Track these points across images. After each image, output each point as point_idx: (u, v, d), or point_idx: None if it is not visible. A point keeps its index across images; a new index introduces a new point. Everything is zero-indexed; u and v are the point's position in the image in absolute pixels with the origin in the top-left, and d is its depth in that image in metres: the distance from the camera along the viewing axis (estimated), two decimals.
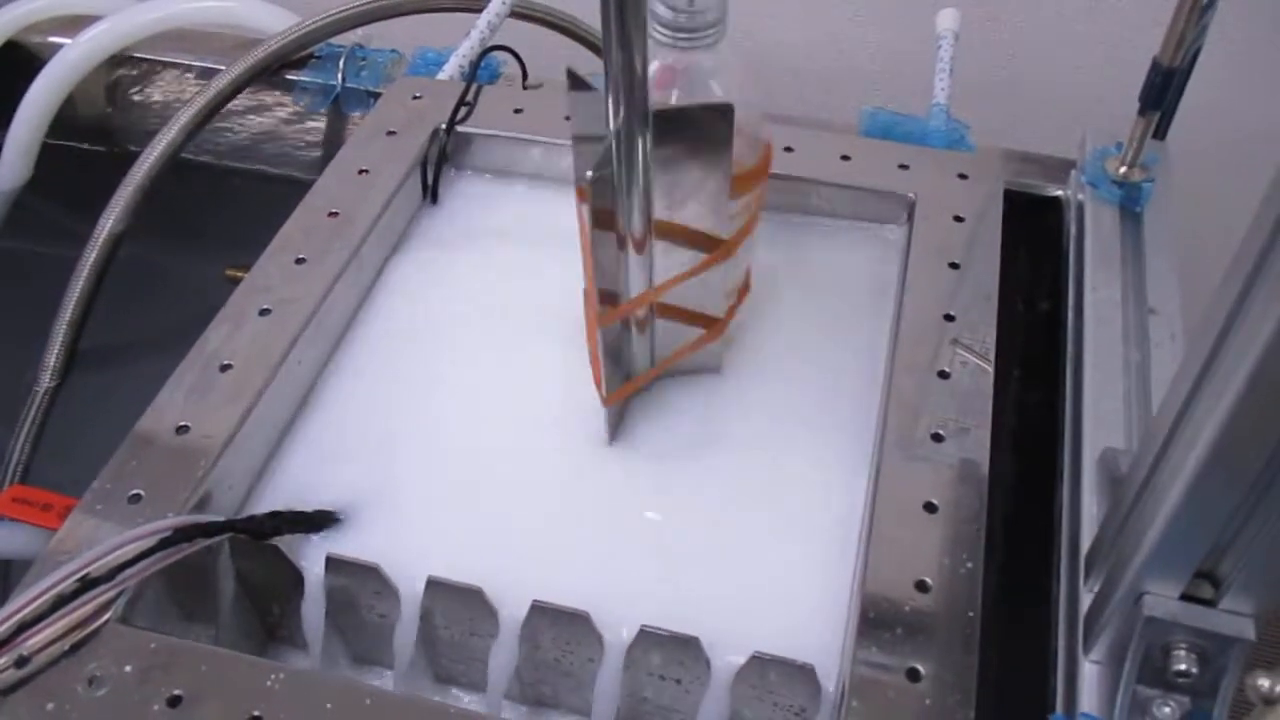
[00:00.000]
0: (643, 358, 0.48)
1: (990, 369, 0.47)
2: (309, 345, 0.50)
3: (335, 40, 0.74)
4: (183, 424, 0.45)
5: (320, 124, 0.79)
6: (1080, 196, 0.59)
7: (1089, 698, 0.39)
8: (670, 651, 0.42)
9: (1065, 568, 0.44)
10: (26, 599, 0.38)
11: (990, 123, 0.65)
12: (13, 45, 0.81)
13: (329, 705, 0.38)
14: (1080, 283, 0.54)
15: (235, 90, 0.70)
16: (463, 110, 0.60)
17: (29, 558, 0.43)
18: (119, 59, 0.79)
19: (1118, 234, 0.57)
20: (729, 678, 0.41)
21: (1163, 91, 0.54)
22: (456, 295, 0.55)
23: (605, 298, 0.43)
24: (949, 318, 0.50)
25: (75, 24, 0.78)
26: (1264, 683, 0.31)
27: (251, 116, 0.80)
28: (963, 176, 0.56)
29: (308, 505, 0.45)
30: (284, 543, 0.44)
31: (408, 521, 0.45)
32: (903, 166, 0.57)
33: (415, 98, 0.62)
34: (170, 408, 0.46)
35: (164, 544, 0.40)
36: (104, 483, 0.44)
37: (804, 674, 0.40)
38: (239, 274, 0.52)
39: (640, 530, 0.45)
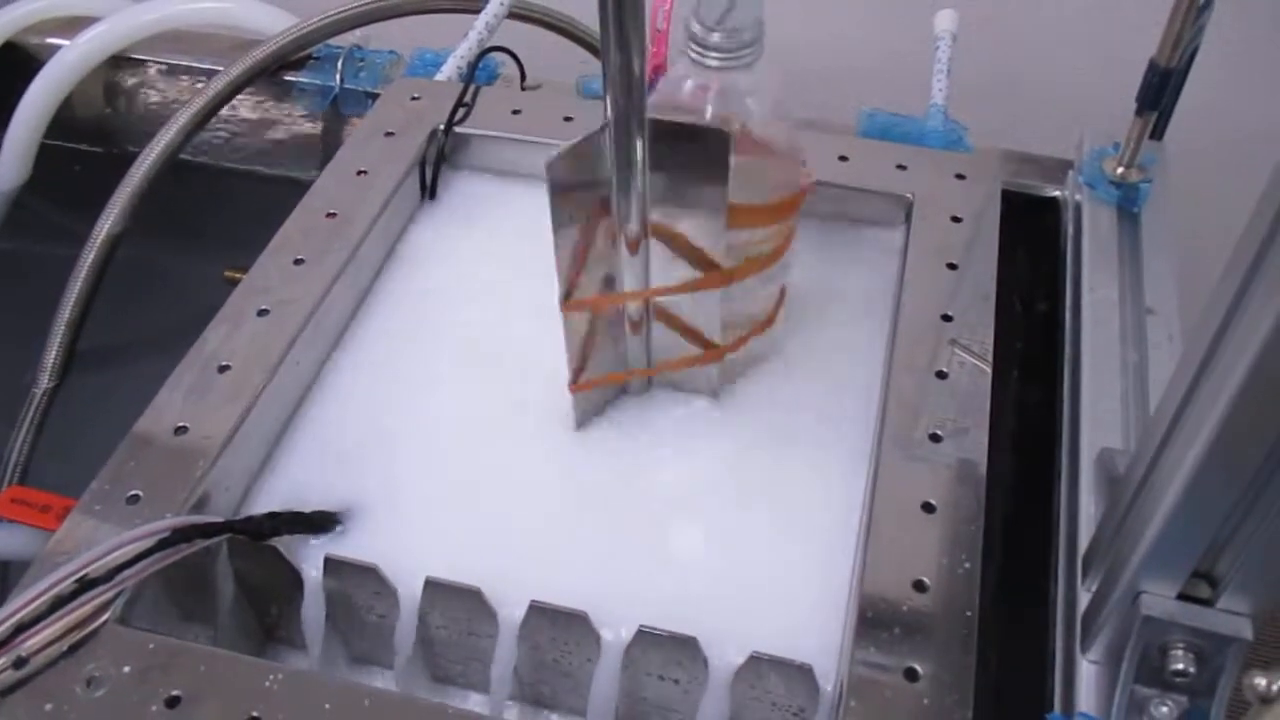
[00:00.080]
0: (637, 358, 0.48)
1: (988, 369, 0.48)
2: (307, 346, 0.50)
3: (333, 41, 0.74)
4: (181, 425, 0.45)
5: (318, 125, 0.79)
6: (1078, 197, 0.59)
7: (1087, 697, 0.39)
8: (669, 651, 0.42)
9: (1063, 567, 0.44)
10: (25, 600, 0.37)
11: (988, 123, 0.65)
12: (11, 46, 0.81)
13: (327, 706, 0.38)
14: (1078, 283, 0.55)
15: (234, 91, 0.70)
16: (461, 111, 0.60)
17: (27, 559, 0.43)
18: (117, 60, 0.78)
19: (1115, 234, 0.57)
20: (727, 678, 0.41)
21: (1160, 92, 0.54)
22: (455, 295, 0.55)
23: (570, 286, 0.44)
24: (947, 318, 0.50)
25: (73, 25, 0.78)
26: (1261, 682, 0.31)
27: (250, 117, 0.80)
28: (960, 177, 0.56)
29: (306, 506, 0.45)
30: (282, 543, 0.44)
31: (406, 521, 0.45)
32: (900, 167, 0.57)
33: (413, 99, 0.62)
34: (169, 408, 0.46)
35: (162, 545, 0.40)
36: (102, 483, 0.44)
37: (802, 674, 0.40)
38: (237, 275, 0.52)
39: (639, 530, 0.45)
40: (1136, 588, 0.36)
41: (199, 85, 0.76)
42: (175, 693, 0.38)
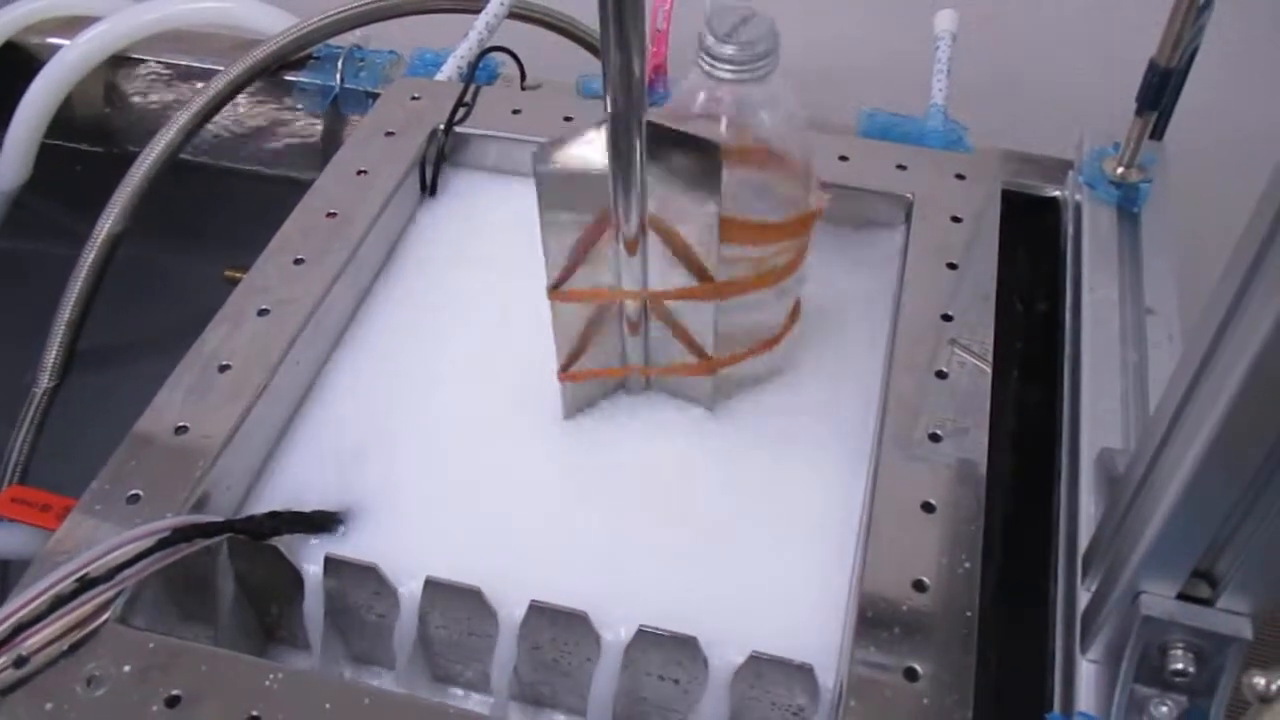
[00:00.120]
0: (635, 357, 0.48)
1: (988, 369, 0.48)
2: (307, 345, 0.50)
3: (334, 41, 0.74)
4: (181, 424, 0.45)
5: (319, 125, 0.79)
6: (1078, 197, 0.59)
7: (1086, 697, 0.40)
8: (669, 651, 0.42)
9: (1063, 567, 0.44)
10: (25, 599, 0.38)
11: (988, 123, 0.65)
12: (11, 46, 0.81)
13: (328, 705, 0.38)
14: (1078, 283, 0.55)
15: (234, 91, 0.70)
16: (461, 111, 0.60)
17: (27, 558, 0.43)
18: (117, 60, 0.78)
19: (1115, 234, 0.57)
20: (727, 677, 0.41)
21: (1160, 92, 0.54)
22: (455, 295, 0.55)
23: (560, 276, 0.44)
24: (947, 318, 0.50)
25: (74, 25, 0.78)
26: (1260, 681, 0.31)
27: (250, 117, 0.80)
28: (960, 177, 0.56)
29: (306, 505, 0.45)
30: (283, 543, 0.44)
31: (406, 521, 0.45)
32: (900, 167, 0.57)
33: (414, 98, 0.62)
34: (169, 408, 0.46)
35: (163, 544, 0.40)
36: (102, 483, 0.44)
37: (802, 674, 0.40)
38: (238, 274, 0.52)
39: (639, 530, 0.45)
40: (1136, 587, 0.36)
41: (199, 85, 0.76)
42: (175, 692, 0.38)
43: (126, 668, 0.38)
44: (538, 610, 0.42)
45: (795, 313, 0.49)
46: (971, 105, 0.66)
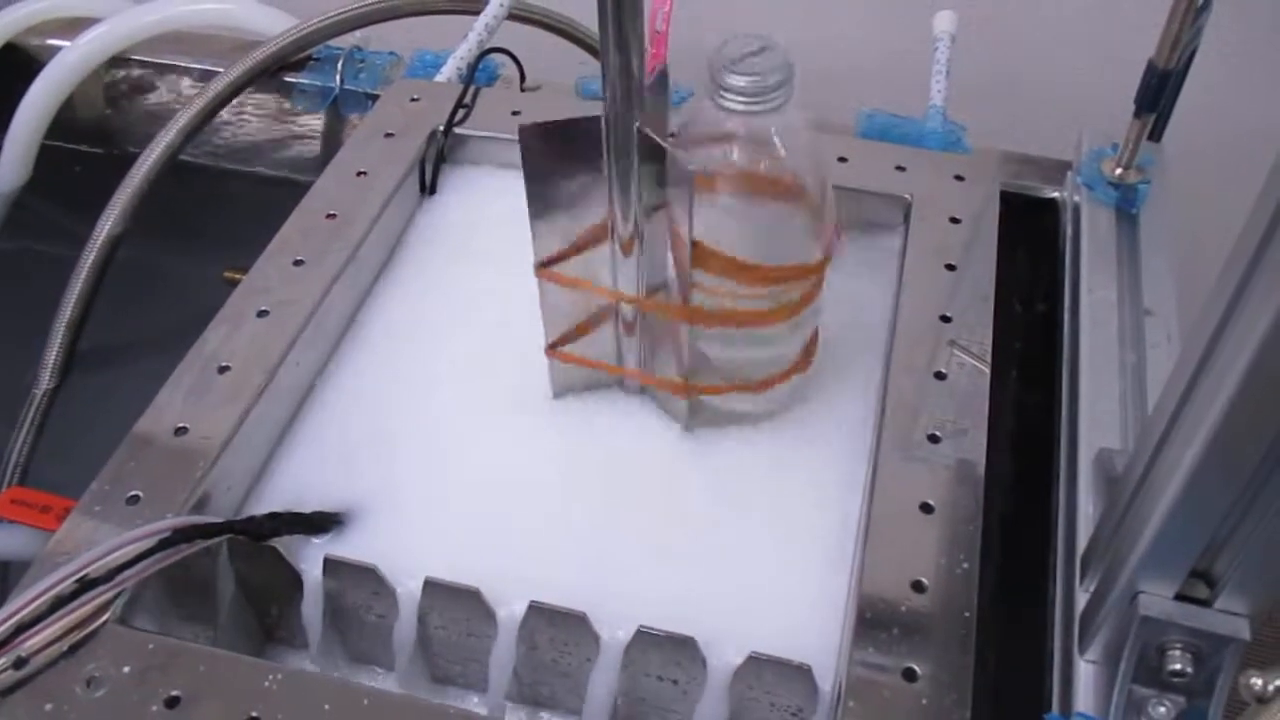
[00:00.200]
0: (631, 357, 0.49)
1: (987, 370, 0.48)
2: (307, 346, 0.50)
3: (333, 42, 0.74)
4: (181, 425, 0.45)
5: (318, 126, 0.79)
6: (1076, 198, 0.59)
7: (1085, 697, 0.40)
8: (667, 652, 0.42)
9: (1061, 568, 0.44)
10: (25, 600, 0.38)
11: (987, 124, 0.65)
12: (12, 47, 0.81)
13: (327, 706, 0.38)
14: (1076, 284, 0.55)
15: (234, 92, 0.70)
16: (461, 112, 0.60)
17: (27, 559, 0.43)
18: (118, 61, 0.79)
19: (1114, 235, 0.57)
20: (726, 678, 0.41)
21: (1158, 93, 0.54)
22: (455, 294, 0.55)
23: (549, 256, 0.45)
24: (946, 319, 0.50)
25: (74, 26, 0.78)
26: (1258, 682, 0.31)
27: (250, 118, 0.80)
28: (959, 178, 0.56)
29: (306, 506, 0.45)
30: (282, 543, 0.44)
31: (406, 522, 0.45)
32: (899, 168, 0.57)
33: (413, 100, 0.62)
34: (169, 409, 0.46)
35: (162, 545, 0.40)
36: (102, 484, 0.44)
37: (801, 674, 0.40)
38: (237, 275, 0.52)
39: (638, 530, 0.45)
40: (1134, 588, 0.36)
41: (199, 86, 0.76)
42: (175, 693, 0.38)
43: (126, 668, 0.38)
44: (537, 610, 0.42)
45: (804, 362, 0.48)
46: (970, 106, 0.66)
